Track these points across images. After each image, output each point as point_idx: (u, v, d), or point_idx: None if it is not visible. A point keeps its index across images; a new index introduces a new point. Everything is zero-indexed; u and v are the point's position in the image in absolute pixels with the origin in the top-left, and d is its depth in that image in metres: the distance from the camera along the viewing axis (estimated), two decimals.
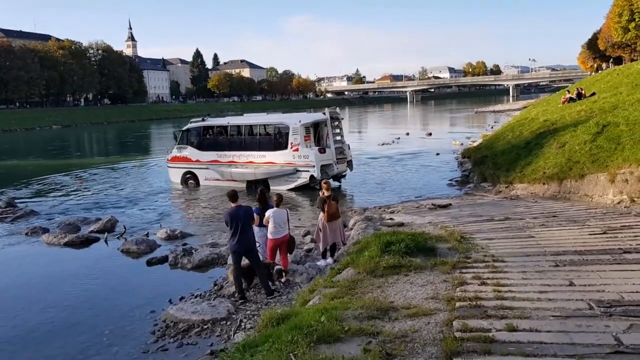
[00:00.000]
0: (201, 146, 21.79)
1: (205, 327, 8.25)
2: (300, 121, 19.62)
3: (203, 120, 23.02)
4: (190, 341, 7.90)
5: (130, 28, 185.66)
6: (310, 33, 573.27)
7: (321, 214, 10.71)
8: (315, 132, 20.06)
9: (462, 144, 33.86)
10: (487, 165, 20.41)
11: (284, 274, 9.64)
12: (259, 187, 13.05)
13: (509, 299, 6.13)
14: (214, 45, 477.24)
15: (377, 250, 8.55)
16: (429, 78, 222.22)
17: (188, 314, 8.58)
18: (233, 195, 9.25)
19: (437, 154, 30.92)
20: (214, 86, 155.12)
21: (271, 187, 19.29)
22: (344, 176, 21.18)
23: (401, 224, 12.56)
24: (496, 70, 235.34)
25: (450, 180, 21.65)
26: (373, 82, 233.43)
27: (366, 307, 6.07)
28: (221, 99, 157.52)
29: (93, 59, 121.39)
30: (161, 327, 8.46)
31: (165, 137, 64.53)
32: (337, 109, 20.97)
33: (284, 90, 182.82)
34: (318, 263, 10.67)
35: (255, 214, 10.04)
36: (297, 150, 19.23)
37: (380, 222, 12.71)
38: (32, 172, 30.62)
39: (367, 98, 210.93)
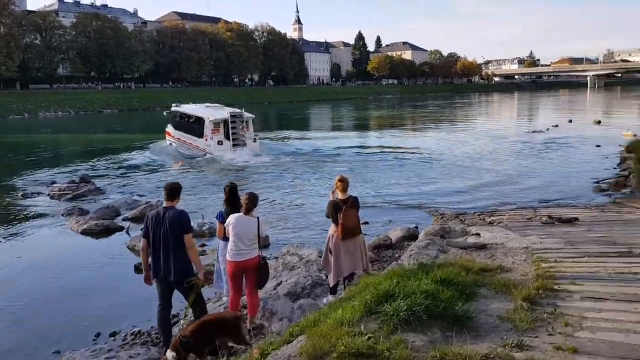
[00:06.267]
0: (174, 126, 27.76)
1: None
2: (209, 118, 24.20)
3: (177, 106, 28.28)
4: None
5: (298, 11, 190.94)
6: (481, 13, 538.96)
7: (332, 226, 7.10)
8: (225, 127, 24.31)
9: (635, 135, 26.78)
10: None
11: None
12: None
13: None
14: (378, 27, 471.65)
15: (359, 309, 4.82)
16: (615, 62, 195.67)
17: None
18: (169, 191, 5.89)
19: (597, 145, 24.63)
20: (374, 69, 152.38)
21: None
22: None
23: (482, 246, 8.41)
24: None
25: (600, 181, 16.17)
26: (548, 65, 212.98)
27: None
28: (379, 82, 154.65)
29: (258, 41, 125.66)
30: None
31: (314, 118, 63.63)
32: (243, 110, 24.78)
33: (447, 73, 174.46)
34: (324, 301, 7.10)
35: (217, 221, 6.81)
36: (206, 139, 24.16)
37: (447, 242, 8.65)
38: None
39: (539, 82, 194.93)
